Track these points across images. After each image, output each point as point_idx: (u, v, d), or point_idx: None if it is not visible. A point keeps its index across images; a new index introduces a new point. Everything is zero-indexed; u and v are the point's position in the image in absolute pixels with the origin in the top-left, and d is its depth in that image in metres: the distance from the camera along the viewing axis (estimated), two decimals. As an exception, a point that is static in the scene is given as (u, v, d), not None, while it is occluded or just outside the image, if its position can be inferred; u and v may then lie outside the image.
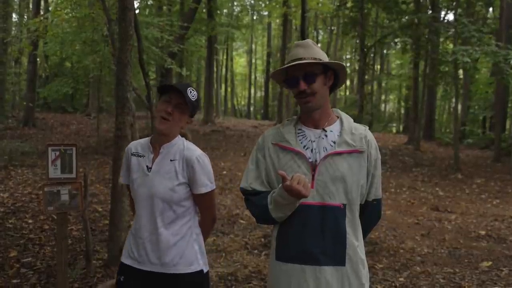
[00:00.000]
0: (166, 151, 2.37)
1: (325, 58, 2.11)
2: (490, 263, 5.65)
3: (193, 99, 2.35)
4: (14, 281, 4.33)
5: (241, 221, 6.92)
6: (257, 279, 4.75)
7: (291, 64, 2.08)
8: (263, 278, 4.76)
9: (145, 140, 2.46)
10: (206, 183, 2.39)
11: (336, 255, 2.04)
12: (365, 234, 2.22)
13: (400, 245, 6.22)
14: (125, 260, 2.41)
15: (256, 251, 5.63)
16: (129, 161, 2.43)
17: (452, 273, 5.29)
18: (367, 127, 2.20)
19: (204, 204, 2.46)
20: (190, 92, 2.33)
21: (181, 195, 2.34)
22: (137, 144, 2.46)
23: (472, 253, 6.06)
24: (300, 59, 2.07)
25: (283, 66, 2.13)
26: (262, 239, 6.00)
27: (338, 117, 2.21)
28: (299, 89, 2.07)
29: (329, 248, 2.04)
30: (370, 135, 2.16)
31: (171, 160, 2.35)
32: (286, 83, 2.17)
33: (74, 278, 4.38)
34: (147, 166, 2.36)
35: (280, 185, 2.00)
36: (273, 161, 2.15)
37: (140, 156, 2.40)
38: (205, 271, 2.40)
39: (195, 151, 2.38)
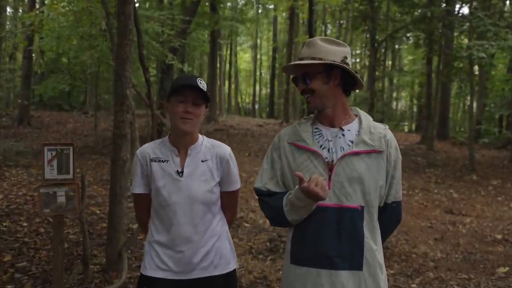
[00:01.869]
0: (195, 152, 2.38)
1: (333, 56, 2.11)
2: (507, 268, 5.63)
3: (206, 89, 2.34)
4: (8, 286, 4.34)
5: (246, 225, 6.92)
6: (262, 285, 4.76)
7: (288, 64, 2.21)
8: (269, 284, 4.76)
9: (161, 143, 2.42)
10: (238, 179, 2.50)
11: (353, 259, 2.06)
12: (383, 238, 2.23)
13: (412, 250, 6.20)
14: (154, 273, 2.35)
15: (261, 256, 5.63)
16: (149, 168, 2.36)
17: (466, 279, 5.28)
18: (387, 126, 2.21)
19: (232, 202, 2.54)
20: (201, 83, 2.32)
21: (217, 194, 2.42)
22: (153, 148, 2.40)
23: (488, 258, 6.04)
24: (301, 59, 2.14)
25: (285, 65, 2.24)
26: (268, 244, 6.01)
27: (357, 116, 2.22)
28: (299, 89, 2.18)
29: (345, 251, 2.05)
30: (390, 135, 2.17)
31: (202, 161, 2.37)
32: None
33: (71, 284, 4.40)
34: (177, 171, 2.33)
35: (297, 186, 2.02)
36: (288, 161, 2.17)
37: (162, 161, 2.36)
38: (236, 268, 2.51)
39: (225, 148, 2.46)
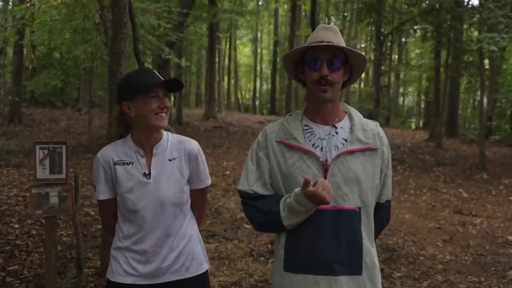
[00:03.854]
0: (160, 150, 2.33)
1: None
2: (519, 271, 5.64)
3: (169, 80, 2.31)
4: (0, 290, 4.36)
5: (246, 226, 6.92)
6: (263, 288, 4.77)
7: (323, 44, 2.02)
8: (270, 288, 4.76)
9: (123, 143, 2.35)
10: (208, 176, 2.46)
11: (352, 263, 2.04)
12: (374, 239, 2.23)
13: (420, 252, 6.21)
14: (123, 279, 2.32)
15: (262, 258, 5.63)
16: (113, 172, 2.29)
17: (477, 282, 5.28)
18: (378, 123, 2.21)
19: (201, 200, 2.50)
20: (159, 75, 2.30)
21: (188, 194, 2.38)
22: (116, 151, 2.33)
23: (499, 260, 6.04)
24: (329, 42, 2.03)
25: (309, 44, 2.06)
26: (269, 246, 6.01)
27: (346, 112, 2.20)
28: (321, 73, 2.03)
29: (344, 256, 2.04)
30: (381, 131, 2.17)
31: (169, 160, 2.33)
32: (307, 66, 2.08)
33: (65, 288, 4.40)
34: (144, 173, 2.28)
35: (297, 190, 1.98)
36: (278, 162, 2.12)
37: (127, 164, 2.30)
38: (208, 269, 2.48)
39: (193, 143, 2.41)
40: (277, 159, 2.12)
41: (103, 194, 2.33)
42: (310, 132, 2.12)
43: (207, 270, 2.45)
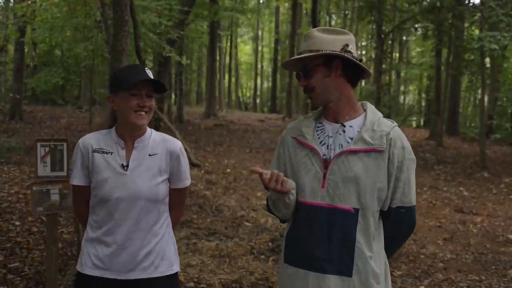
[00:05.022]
0: (142, 145, 2.35)
1: (331, 46, 2.06)
2: (519, 270, 5.64)
3: (156, 79, 2.32)
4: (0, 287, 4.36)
5: (247, 224, 6.92)
6: (264, 286, 4.76)
7: (286, 61, 2.23)
8: (271, 286, 4.76)
9: (107, 134, 2.38)
10: (188, 176, 2.47)
11: (343, 264, 2.02)
12: (392, 247, 2.18)
13: (420, 250, 6.21)
14: (91, 271, 2.31)
15: (263, 256, 5.63)
16: (90, 159, 2.31)
17: (477, 280, 5.28)
18: (395, 124, 2.11)
19: (179, 200, 2.51)
20: (150, 73, 2.30)
21: (165, 192, 2.38)
22: (97, 139, 2.36)
23: (500, 259, 6.04)
24: (300, 53, 2.12)
25: (283, 62, 2.26)
26: (270, 244, 6.01)
27: (365, 111, 2.16)
28: (301, 84, 2.16)
29: (335, 255, 2.02)
30: (395, 133, 2.06)
31: (150, 155, 2.34)
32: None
33: (65, 285, 4.40)
34: (122, 164, 2.29)
35: None
36: (290, 156, 2.18)
37: (106, 153, 2.31)
38: (178, 271, 2.48)
39: (176, 142, 2.43)
40: (289, 153, 2.19)
41: (77, 179, 2.35)
42: (321, 130, 2.15)
43: (177, 272, 2.44)
